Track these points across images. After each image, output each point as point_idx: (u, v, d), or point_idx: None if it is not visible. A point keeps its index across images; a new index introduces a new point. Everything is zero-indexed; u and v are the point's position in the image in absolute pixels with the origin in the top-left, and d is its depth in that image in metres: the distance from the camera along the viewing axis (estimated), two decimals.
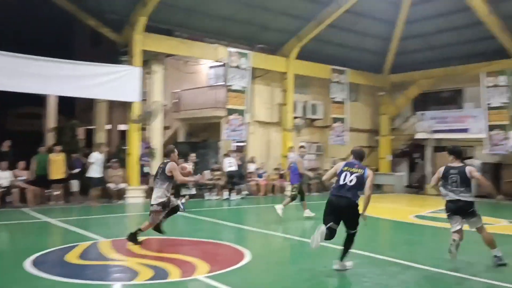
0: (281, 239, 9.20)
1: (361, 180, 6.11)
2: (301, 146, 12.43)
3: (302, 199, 11.59)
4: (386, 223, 12.19)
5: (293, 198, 11.38)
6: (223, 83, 18.08)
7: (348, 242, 6.25)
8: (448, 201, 6.87)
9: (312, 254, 7.63)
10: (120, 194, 14.37)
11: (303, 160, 11.52)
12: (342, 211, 6.11)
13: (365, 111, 23.15)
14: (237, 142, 18.57)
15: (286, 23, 18.03)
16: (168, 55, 16.81)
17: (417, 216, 12.60)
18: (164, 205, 7.65)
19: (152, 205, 7.69)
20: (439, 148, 20.80)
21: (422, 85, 21.15)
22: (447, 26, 18.78)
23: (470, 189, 6.75)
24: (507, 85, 17.44)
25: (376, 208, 15.03)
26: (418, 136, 20.81)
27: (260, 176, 17.84)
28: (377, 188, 21.32)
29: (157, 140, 16.11)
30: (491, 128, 17.84)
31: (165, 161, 7.88)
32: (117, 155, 15.87)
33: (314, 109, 20.16)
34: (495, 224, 11.56)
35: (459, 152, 7.11)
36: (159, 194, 7.62)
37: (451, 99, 21.43)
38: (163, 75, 16.53)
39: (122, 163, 14.90)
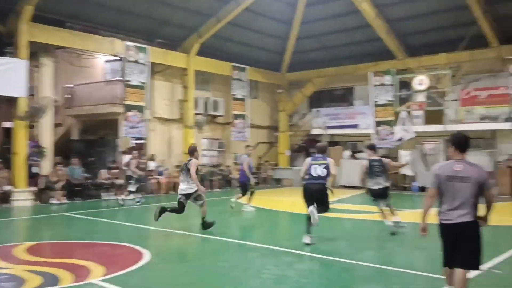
0: (182, 236, 9.09)
1: (328, 169, 7.67)
2: (248, 146, 13.53)
3: (243, 193, 12.37)
4: (284, 216, 12.63)
5: (252, 192, 12.40)
6: (121, 78, 17.35)
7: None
8: (372, 189, 8.73)
9: (213, 250, 7.66)
10: (5, 197, 13.18)
11: (249, 159, 12.48)
12: (315, 194, 7.65)
13: (265, 108, 23.77)
14: (137, 139, 17.99)
15: (186, 19, 17.83)
16: (59, 48, 15.72)
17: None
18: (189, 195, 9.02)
19: (184, 194, 9.02)
20: (332, 143, 22.03)
21: (316, 83, 22.21)
22: (339, 28, 19.92)
23: (387, 177, 8.74)
24: (391, 84, 18.96)
25: (276, 202, 15.54)
26: (314, 131, 21.84)
27: (160, 173, 17.47)
28: (277, 182, 22.04)
29: (47, 138, 15.02)
30: (378, 123, 19.29)
31: (188, 159, 9.03)
32: (1, 155, 14.52)
33: (216, 105, 20.22)
34: (376, 212, 12.53)
35: (375, 147, 9.26)
36: (190, 185, 8.89)
37: (343, 96, 22.80)
38: (53, 68, 15.45)
39: (7, 164, 13.66)
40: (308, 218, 7.64)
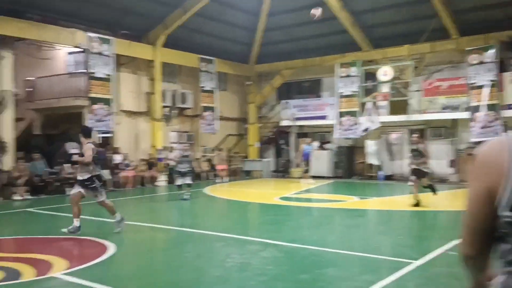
0: (147, 229, 9.02)
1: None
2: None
3: None
4: (252, 206, 12.72)
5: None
6: (85, 70, 16.94)
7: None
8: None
9: (177, 241, 7.66)
10: None
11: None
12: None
13: (234, 100, 23.73)
14: (103, 133, 17.65)
15: (151, 9, 17.56)
16: (19, 39, 15.19)
17: (281, 198, 13.36)
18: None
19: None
20: (301, 134, 22.25)
21: (285, 75, 22.31)
22: (305, 20, 19.98)
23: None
24: (357, 75, 19.25)
25: (244, 193, 15.63)
26: (283, 123, 21.98)
27: (126, 167, 17.23)
28: (247, 174, 22.12)
29: (8, 133, 14.58)
30: (342, 114, 19.58)
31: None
32: None
33: (184, 98, 20.06)
34: (347, 201, 12.80)
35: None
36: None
37: (311, 88, 22.98)
38: (12, 61, 14.91)
39: None
40: None
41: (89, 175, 7.74)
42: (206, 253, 6.59)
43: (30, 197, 13.73)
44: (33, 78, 18.22)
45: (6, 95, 14.29)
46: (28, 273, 5.51)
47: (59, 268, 5.73)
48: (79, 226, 7.77)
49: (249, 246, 6.91)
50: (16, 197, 13.52)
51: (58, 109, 17.72)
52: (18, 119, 16.31)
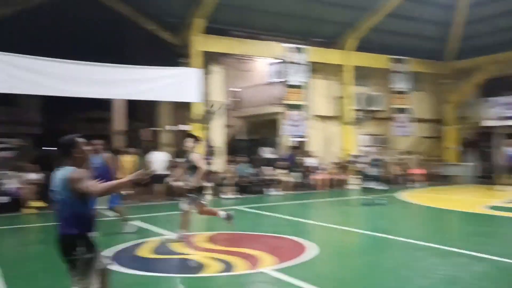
0: (342, 232, 9.12)
1: None
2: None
3: None
4: (454, 215, 11.75)
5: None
6: (282, 79, 18.06)
7: None
8: None
9: (377, 247, 7.54)
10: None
11: None
12: None
13: (427, 100, 22.22)
14: (297, 137, 18.53)
15: (342, 15, 17.76)
16: (225, 54, 17.08)
17: (490, 207, 12.04)
18: None
19: None
20: (510, 135, 19.65)
21: (489, 70, 20.04)
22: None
23: None
24: None
25: (443, 200, 14.55)
26: (486, 123, 19.78)
27: (317, 170, 17.73)
28: (444, 179, 20.54)
29: (219, 139, 16.45)
30: None
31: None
32: (182, 155, 16.35)
33: (375, 100, 19.67)
34: None
35: None
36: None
37: None
38: (221, 74, 16.83)
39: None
40: None
41: (192, 187, 7.87)
42: (407, 262, 6.36)
43: (239, 196, 15.21)
44: (238, 89, 20.20)
45: (216, 105, 16.15)
46: (240, 266, 6.08)
47: (267, 264, 6.18)
48: (182, 235, 7.85)
49: (455, 258, 6.40)
50: (223, 195, 15.16)
51: (258, 116, 19.29)
52: (228, 126, 18.31)
